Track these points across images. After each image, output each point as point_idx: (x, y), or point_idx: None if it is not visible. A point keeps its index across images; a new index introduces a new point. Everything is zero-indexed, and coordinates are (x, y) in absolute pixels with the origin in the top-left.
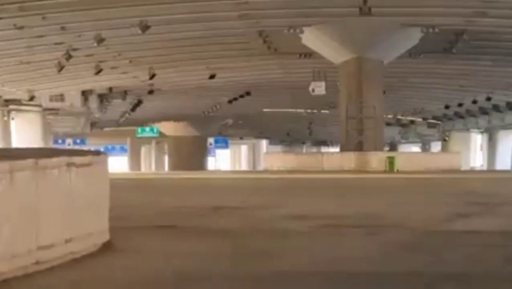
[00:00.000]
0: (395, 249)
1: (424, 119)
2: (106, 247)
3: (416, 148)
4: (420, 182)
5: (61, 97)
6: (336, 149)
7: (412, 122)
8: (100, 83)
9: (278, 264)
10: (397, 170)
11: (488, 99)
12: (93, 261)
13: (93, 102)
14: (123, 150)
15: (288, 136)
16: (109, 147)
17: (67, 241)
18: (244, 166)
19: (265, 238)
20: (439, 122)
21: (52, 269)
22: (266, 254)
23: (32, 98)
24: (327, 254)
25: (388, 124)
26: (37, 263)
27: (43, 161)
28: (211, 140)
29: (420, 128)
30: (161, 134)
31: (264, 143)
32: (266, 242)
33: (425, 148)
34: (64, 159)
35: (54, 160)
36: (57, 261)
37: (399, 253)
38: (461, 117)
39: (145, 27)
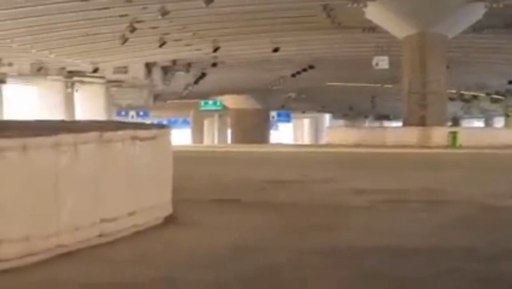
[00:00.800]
0: (454, 225)
1: (487, 94)
2: (169, 220)
3: (479, 124)
4: (482, 158)
5: (124, 69)
6: (399, 124)
7: (475, 97)
8: (164, 56)
9: (337, 239)
10: (460, 145)
11: None
12: (155, 234)
13: (157, 75)
14: (185, 122)
15: (350, 110)
16: (172, 119)
17: (130, 214)
18: (306, 140)
19: (325, 212)
20: (502, 97)
21: (115, 242)
22: (325, 228)
23: (96, 70)
24: (387, 229)
25: (451, 99)
26: (100, 235)
27: (107, 134)
28: (273, 113)
29: (483, 103)
30: (224, 107)
31: (326, 117)
32: (326, 216)
33: (488, 123)
34: (128, 133)
35: (119, 133)
36: (120, 234)
37: (459, 229)
38: None
39: (209, 0)
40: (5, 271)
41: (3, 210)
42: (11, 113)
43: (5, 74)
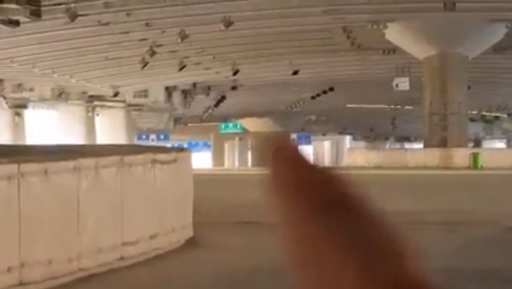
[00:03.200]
0: (477, 246)
1: (509, 115)
2: (190, 243)
3: (500, 145)
4: (504, 179)
5: (145, 93)
6: (420, 145)
7: (496, 118)
8: (184, 79)
9: None
10: (481, 167)
11: None
12: (176, 257)
13: (177, 98)
14: (206, 145)
15: (371, 132)
16: (193, 142)
17: (152, 237)
18: (327, 162)
19: None
20: None
21: (136, 265)
22: None
23: (116, 94)
24: None
25: (472, 120)
26: (121, 258)
27: (128, 158)
28: (293, 136)
29: (505, 124)
30: (244, 130)
31: (347, 139)
32: None
33: (510, 144)
34: (149, 156)
35: (139, 157)
36: (141, 257)
37: (479, 250)
38: None
39: (228, 23)
40: None
41: (25, 233)
42: (33, 138)
43: (26, 99)
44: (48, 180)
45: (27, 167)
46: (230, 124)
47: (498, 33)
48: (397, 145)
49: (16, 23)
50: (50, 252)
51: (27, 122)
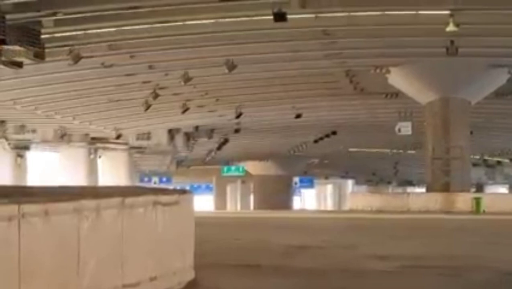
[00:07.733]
0: None
1: (511, 160)
2: (191, 285)
3: (503, 190)
4: (507, 224)
5: (147, 136)
6: (422, 190)
7: (499, 163)
8: (187, 122)
9: None
10: (484, 211)
11: None
12: None
13: (180, 141)
14: (208, 188)
15: (373, 176)
16: (195, 185)
17: (152, 279)
18: (329, 205)
19: (348, 277)
20: None
21: None
22: None
23: (119, 136)
24: None
25: (474, 164)
26: None
27: (129, 200)
28: (296, 179)
29: (507, 169)
30: (247, 173)
31: (349, 183)
32: (349, 281)
33: None
34: (150, 198)
35: (141, 198)
36: None
37: None
38: None
39: (232, 66)
40: None
41: (25, 274)
42: (34, 179)
43: (28, 141)
44: (49, 221)
45: (28, 208)
46: (233, 167)
47: (500, 78)
48: (400, 189)
49: (19, 65)
50: None
51: (29, 164)
